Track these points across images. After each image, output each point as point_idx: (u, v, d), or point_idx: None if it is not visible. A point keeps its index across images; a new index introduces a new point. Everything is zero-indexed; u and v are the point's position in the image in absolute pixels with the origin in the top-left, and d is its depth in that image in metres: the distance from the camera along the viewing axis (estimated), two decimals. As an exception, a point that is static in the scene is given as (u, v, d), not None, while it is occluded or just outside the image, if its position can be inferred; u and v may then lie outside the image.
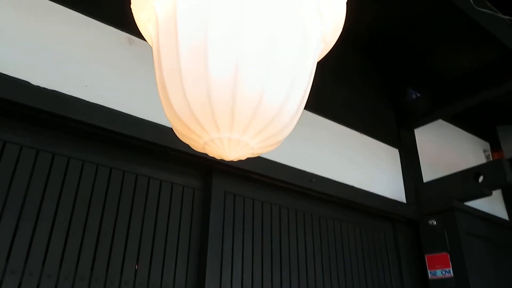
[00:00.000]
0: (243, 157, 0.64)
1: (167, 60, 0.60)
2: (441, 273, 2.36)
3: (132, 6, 0.71)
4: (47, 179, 1.49)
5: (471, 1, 1.71)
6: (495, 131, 3.68)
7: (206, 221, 1.80)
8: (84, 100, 1.54)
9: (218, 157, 0.64)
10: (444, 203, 2.49)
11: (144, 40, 0.82)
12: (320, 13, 0.65)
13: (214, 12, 0.59)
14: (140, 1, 0.67)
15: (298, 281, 1.99)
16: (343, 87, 2.69)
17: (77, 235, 1.49)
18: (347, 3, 0.71)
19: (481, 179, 2.45)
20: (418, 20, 2.44)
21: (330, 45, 0.72)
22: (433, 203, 2.55)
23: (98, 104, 1.57)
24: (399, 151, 2.82)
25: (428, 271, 2.43)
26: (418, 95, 2.88)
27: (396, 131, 2.88)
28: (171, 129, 1.66)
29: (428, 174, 2.84)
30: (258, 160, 1.95)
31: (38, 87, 1.45)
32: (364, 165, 2.55)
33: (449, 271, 2.33)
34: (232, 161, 1.83)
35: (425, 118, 2.83)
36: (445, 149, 3.21)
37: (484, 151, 3.54)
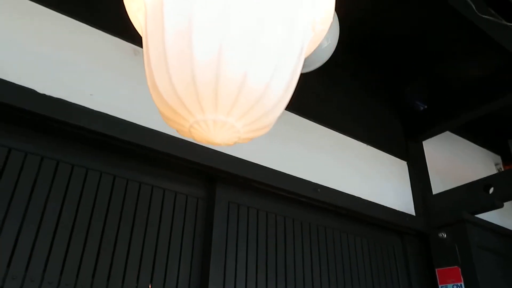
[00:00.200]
0: (230, 142, 0.64)
1: (154, 46, 0.62)
2: (453, 287, 2.29)
3: (123, -2, 0.72)
4: (51, 186, 1.50)
5: (473, 7, 1.72)
6: (506, 145, 3.63)
7: (209, 232, 1.78)
8: (89, 108, 1.56)
9: (204, 142, 0.64)
10: (454, 215, 2.42)
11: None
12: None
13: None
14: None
15: (304, 293, 1.95)
16: (350, 99, 2.69)
17: (79, 242, 1.49)
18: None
19: (491, 190, 2.40)
20: (421, 27, 2.45)
21: (321, 35, 0.73)
22: (443, 215, 2.49)
23: (103, 112, 1.59)
24: (407, 163, 2.79)
25: (439, 286, 2.36)
26: (425, 107, 2.86)
27: (404, 143, 2.85)
28: (176, 137, 1.68)
29: (438, 187, 2.79)
30: (262, 170, 1.94)
31: (44, 95, 1.48)
32: (371, 176, 2.52)
33: (461, 285, 2.26)
34: (236, 169, 1.84)
35: (432, 130, 2.79)
36: (456, 162, 3.17)
37: (496, 164, 3.49)
